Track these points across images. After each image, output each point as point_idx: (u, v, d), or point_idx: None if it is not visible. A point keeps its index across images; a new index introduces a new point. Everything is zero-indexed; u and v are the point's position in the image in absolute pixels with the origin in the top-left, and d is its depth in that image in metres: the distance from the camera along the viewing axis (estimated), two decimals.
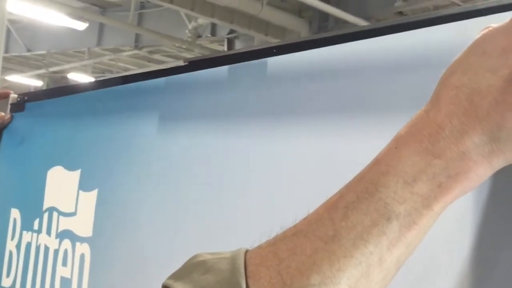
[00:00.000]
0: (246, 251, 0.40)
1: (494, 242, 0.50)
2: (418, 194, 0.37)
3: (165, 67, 1.01)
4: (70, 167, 0.97)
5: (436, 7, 5.90)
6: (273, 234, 0.40)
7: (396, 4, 5.13)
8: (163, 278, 0.42)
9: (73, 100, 1.07)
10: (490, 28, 0.39)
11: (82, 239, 0.90)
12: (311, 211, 0.40)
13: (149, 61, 9.15)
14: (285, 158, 0.68)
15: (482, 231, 0.51)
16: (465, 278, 0.50)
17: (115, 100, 0.99)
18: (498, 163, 0.38)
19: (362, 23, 5.46)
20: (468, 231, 0.51)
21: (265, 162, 0.70)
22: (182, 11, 6.37)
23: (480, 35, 0.40)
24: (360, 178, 0.39)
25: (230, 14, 6.20)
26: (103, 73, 10.11)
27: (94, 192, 0.89)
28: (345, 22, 5.57)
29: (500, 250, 0.49)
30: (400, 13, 5.85)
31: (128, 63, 9.43)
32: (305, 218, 0.39)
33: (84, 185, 0.92)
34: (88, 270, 0.87)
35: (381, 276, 0.37)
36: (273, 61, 0.74)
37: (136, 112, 0.93)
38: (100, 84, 1.12)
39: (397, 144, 0.39)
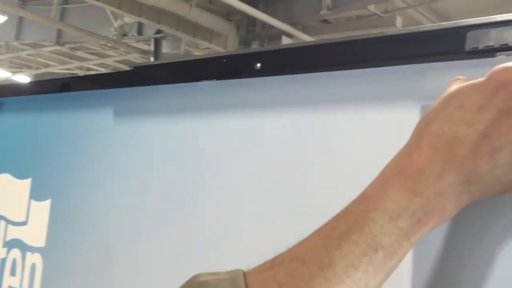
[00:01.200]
0: (244, 273, 0.43)
1: (469, 242, 0.56)
2: (400, 228, 0.43)
3: (113, 71, 1.01)
4: (19, 175, 0.95)
5: (359, 17, 6.16)
6: (267, 257, 0.44)
7: (322, 12, 5.30)
8: None
9: (19, 102, 1.05)
10: (466, 84, 0.46)
11: (33, 249, 0.89)
12: (304, 236, 0.44)
13: (71, 58, 8.84)
14: (251, 153, 0.71)
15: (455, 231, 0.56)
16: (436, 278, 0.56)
17: (65, 102, 0.98)
18: (466, 201, 0.45)
19: (288, 28, 5.60)
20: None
21: (228, 160, 0.72)
22: (108, 9, 6.21)
23: (456, 87, 0.46)
24: (350, 212, 0.45)
25: (157, 14, 6.12)
26: (21, 68, 9.65)
27: (47, 202, 0.89)
28: (272, 27, 5.68)
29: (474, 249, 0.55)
30: (325, 21, 6.06)
31: (48, 59, 9.06)
32: (301, 244, 0.44)
33: (36, 195, 0.91)
34: (39, 281, 0.86)
35: None
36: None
37: (90, 116, 0.92)
38: (48, 86, 1.10)
39: (384, 183, 0.45)
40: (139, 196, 0.80)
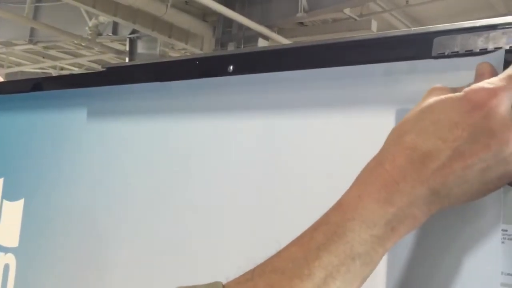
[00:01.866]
0: (223, 286, 0.44)
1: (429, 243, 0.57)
2: (376, 236, 0.45)
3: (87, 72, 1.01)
4: None
5: (335, 20, 6.21)
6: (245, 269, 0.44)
7: (298, 15, 5.33)
8: None
9: None
10: (444, 98, 0.47)
11: (6, 249, 0.88)
12: (282, 246, 0.45)
13: (44, 57, 8.70)
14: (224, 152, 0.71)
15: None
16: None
17: (39, 102, 0.98)
18: (435, 210, 0.47)
19: (264, 30, 5.61)
20: None
21: (201, 160, 0.73)
22: (82, 7, 6.14)
23: (434, 100, 0.48)
24: (328, 222, 0.46)
25: (133, 14, 6.07)
26: None
27: (20, 202, 0.88)
28: (248, 29, 5.69)
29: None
30: (301, 23, 6.09)
31: (21, 57, 8.91)
32: (279, 256, 0.45)
33: (8, 195, 0.91)
34: (13, 281, 0.85)
35: None
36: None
37: (63, 115, 0.92)
38: (20, 85, 1.09)
39: (359, 193, 0.47)
40: (113, 196, 0.80)
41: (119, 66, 0.92)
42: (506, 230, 0.54)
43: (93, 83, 0.91)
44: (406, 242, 0.58)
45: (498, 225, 0.53)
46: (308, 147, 0.66)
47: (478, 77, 0.52)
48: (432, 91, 0.52)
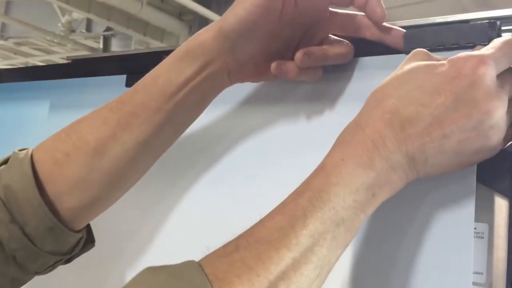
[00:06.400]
0: (199, 263, 0.41)
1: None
2: (358, 202, 0.44)
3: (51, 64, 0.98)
4: None
5: None
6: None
7: None
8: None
9: None
10: (428, 64, 0.47)
11: None
12: (263, 215, 0.44)
13: (15, 53, 8.55)
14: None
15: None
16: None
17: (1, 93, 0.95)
18: (411, 178, 0.47)
19: None
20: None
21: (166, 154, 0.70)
22: (55, 3, 6.04)
23: (417, 65, 0.47)
24: (311, 187, 0.45)
25: (107, 11, 6.00)
26: None
27: None
28: None
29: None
30: None
31: None
32: (263, 225, 0.43)
33: None
34: None
35: (327, 276, 0.43)
36: None
37: (24, 108, 0.89)
38: None
39: (342, 157, 0.45)
40: None
41: (85, 58, 0.89)
42: (475, 228, 0.54)
43: (57, 75, 0.88)
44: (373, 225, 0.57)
45: (470, 223, 0.52)
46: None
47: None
48: (416, 54, 0.51)
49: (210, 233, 0.67)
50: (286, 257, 0.40)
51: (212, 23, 0.61)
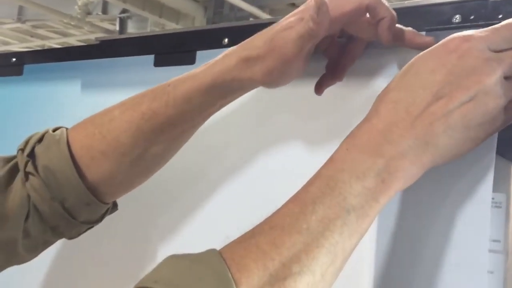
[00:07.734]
0: (220, 251, 0.44)
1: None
2: (367, 188, 0.45)
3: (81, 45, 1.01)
4: None
5: None
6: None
7: None
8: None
9: None
10: (423, 52, 0.49)
11: None
12: (279, 206, 0.46)
13: (32, 36, 8.60)
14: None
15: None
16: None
17: (32, 75, 0.97)
18: (428, 165, 0.47)
19: (256, 11, 5.58)
20: None
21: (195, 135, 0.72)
22: None
23: (416, 57, 0.50)
24: (320, 175, 0.47)
25: None
26: None
27: None
28: (240, 10, 5.66)
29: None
30: (293, 4, 6.06)
31: (8, 36, 8.79)
32: (277, 213, 0.46)
33: None
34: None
35: (342, 264, 0.45)
36: None
37: (57, 88, 0.91)
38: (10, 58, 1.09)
39: (348, 146, 0.48)
40: None
41: (114, 39, 0.92)
42: (493, 198, 0.56)
43: (86, 56, 0.91)
44: (393, 208, 0.59)
45: (488, 193, 0.54)
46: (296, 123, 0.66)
47: None
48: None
49: (230, 225, 0.70)
50: (298, 242, 0.42)
51: (255, 67, 0.60)
